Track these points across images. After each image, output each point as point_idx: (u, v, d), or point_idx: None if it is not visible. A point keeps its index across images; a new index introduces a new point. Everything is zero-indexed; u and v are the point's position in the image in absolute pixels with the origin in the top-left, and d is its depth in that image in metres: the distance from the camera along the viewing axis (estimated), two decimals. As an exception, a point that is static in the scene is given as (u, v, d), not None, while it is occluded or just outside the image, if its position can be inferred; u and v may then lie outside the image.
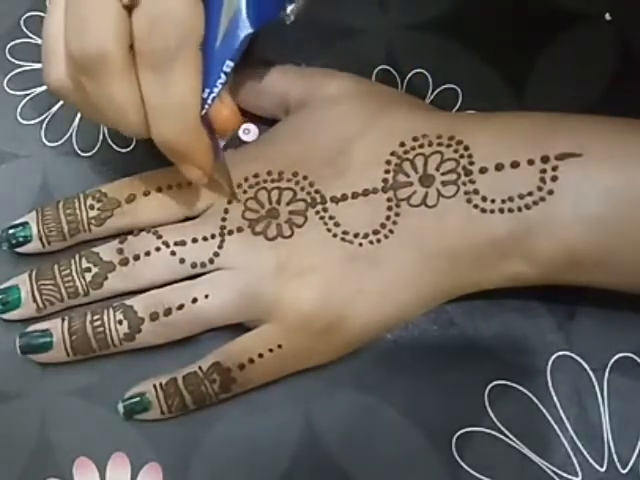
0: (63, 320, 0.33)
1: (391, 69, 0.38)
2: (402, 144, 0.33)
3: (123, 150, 0.37)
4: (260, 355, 0.32)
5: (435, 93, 0.38)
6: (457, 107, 0.38)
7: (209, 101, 0.29)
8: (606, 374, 0.34)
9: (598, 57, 0.38)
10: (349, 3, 0.40)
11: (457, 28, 0.39)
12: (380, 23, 0.39)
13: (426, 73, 0.38)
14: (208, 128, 0.30)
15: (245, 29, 0.29)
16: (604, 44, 0.39)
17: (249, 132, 0.37)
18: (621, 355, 0.34)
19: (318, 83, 0.35)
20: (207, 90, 0.29)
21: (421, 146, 0.32)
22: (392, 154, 0.33)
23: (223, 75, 0.29)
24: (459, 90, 0.38)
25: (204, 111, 0.29)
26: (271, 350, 0.32)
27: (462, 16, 0.39)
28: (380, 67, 0.38)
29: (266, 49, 0.37)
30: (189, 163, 0.31)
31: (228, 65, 0.29)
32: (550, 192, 0.30)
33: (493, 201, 0.31)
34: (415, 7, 0.39)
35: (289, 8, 0.30)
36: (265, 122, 0.37)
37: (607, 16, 0.39)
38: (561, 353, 0.34)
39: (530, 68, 0.38)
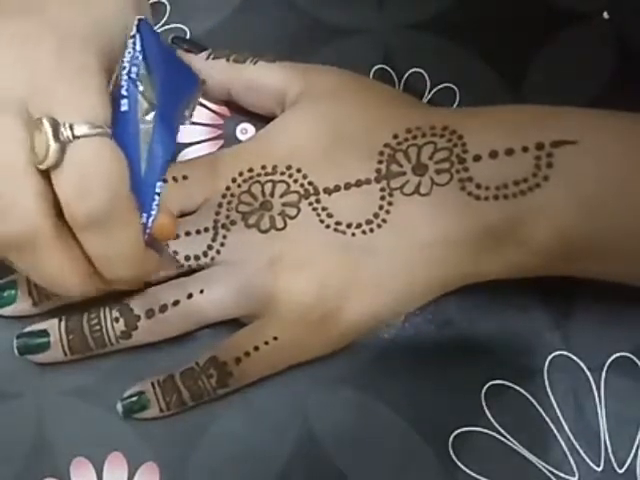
0: (60, 320, 0.33)
1: (388, 68, 0.38)
2: (395, 136, 0.33)
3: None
4: (256, 348, 0.32)
5: (433, 92, 0.38)
6: (455, 106, 0.38)
7: (149, 224, 0.29)
8: (603, 374, 0.34)
9: (596, 56, 0.38)
10: (347, 2, 0.40)
11: (455, 27, 0.39)
12: (378, 22, 0.39)
13: (423, 72, 0.38)
14: (150, 241, 0.30)
15: (165, 149, 0.29)
16: (602, 43, 0.39)
17: (246, 132, 0.37)
18: (618, 355, 0.34)
19: (314, 79, 0.35)
20: (145, 215, 0.29)
21: (414, 137, 0.32)
22: (385, 145, 0.33)
23: (157, 196, 0.29)
24: (457, 89, 0.38)
25: (146, 236, 0.29)
26: (267, 343, 0.32)
27: (460, 15, 0.39)
28: (377, 66, 0.38)
29: (263, 47, 0.37)
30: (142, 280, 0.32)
31: (159, 186, 0.29)
32: (545, 178, 0.30)
33: (487, 188, 0.31)
34: (413, 6, 0.39)
35: (187, 112, 0.30)
36: (262, 121, 0.36)
37: (605, 15, 0.39)
38: (558, 353, 0.34)
39: (528, 67, 0.38)
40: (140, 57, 0.28)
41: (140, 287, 0.33)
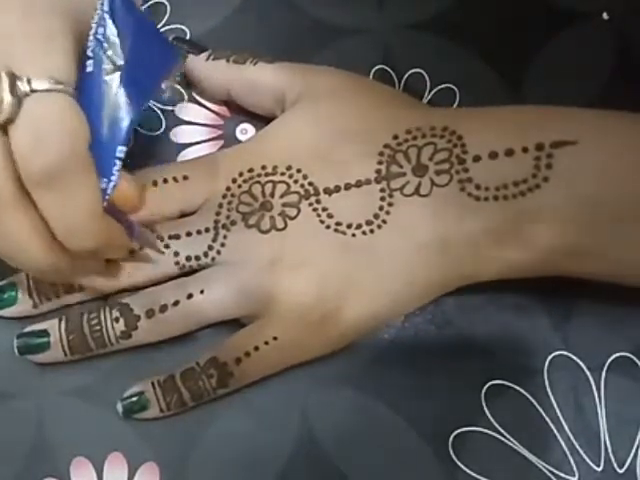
0: (60, 320, 0.33)
1: (388, 69, 0.38)
2: (395, 137, 0.33)
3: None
4: (256, 348, 0.32)
5: (433, 93, 0.38)
6: (455, 106, 0.38)
7: (109, 190, 0.28)
8: (603, 374, 0.34)
9: (596, 56, 0.38)
10: (347, 2, 0.40)
11: (455, 28, 0.39)
12: (378, 22, 0.39)
13: (423, 72, 0.38)
14: (114, 212, 0.29)
15: (129, 113, 0.28)
16: (602, 43, 0.39)
17: (246, 132, 0.37)
18: (618, 355, 0.34)
19: (314, 79, 0.35)
20: (105, 180, 0.28)
21: (414, 138, 0.32)
22: (385, 146, 0.33)
23: (118, 161, 0.28)
24: (457, 90, 0.38)
25: (105, 202, 0.28)
26: (267, 343, 0.32)
27: (460, 15, 0.39)
28: (378, 66, 0.38)
29: (263, 47, 0.37)
30: (109, 252, 0.31)
31: (121, 151, 0.28)
32: (545, 179, 0.30)
33: (487, 189, 0.31)
34: (413, 6, 0.39)
35: (164, 84, 0.30)
36: (262, 121, 0.37)
37: (605, 15, 0.39)
38: (558, 353, 0.34)
39: (528, 67, 0.38)
40: (107, 18, 0.27)
41: (105, 262, 0.32)
